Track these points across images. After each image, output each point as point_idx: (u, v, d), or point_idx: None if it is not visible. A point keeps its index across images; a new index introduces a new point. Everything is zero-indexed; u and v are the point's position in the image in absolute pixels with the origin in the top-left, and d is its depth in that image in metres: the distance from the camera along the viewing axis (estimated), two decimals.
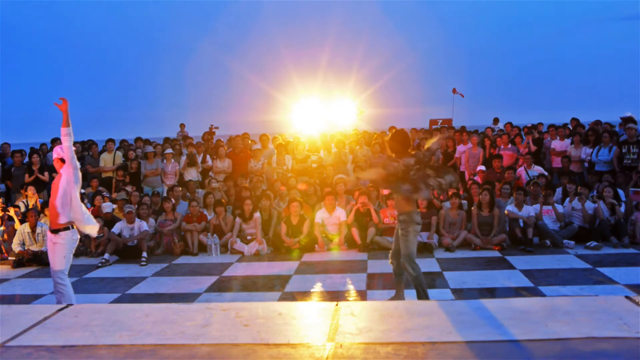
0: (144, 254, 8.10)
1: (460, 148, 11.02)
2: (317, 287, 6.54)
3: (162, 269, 7.67)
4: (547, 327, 3.05)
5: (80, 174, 5.26)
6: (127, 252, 8.26)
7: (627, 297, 3.53)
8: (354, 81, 21.36)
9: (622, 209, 8.28)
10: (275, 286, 6.65)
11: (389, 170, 5.08)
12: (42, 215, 8.85)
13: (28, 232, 8.17)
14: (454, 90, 17.24)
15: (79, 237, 5.31)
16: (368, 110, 18.01)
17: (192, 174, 10.51)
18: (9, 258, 8.14)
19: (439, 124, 16.05)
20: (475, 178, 9.93)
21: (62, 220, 5.11)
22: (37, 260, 7.96)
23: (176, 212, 8.96)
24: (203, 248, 8.52)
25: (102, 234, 8.46)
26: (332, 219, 8.56)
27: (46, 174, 10.38)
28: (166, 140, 12.59)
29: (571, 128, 11.60)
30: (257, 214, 8.64)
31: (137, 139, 12.56)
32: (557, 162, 10.45)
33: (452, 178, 5.12)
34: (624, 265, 6.88)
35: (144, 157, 10.80)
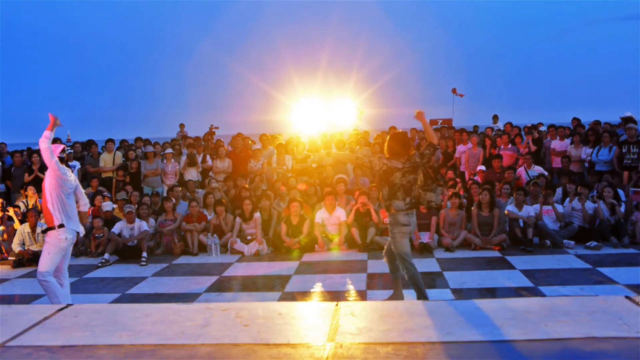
0: (144, 254, 8.10)
1: (460, 148, 11.02)
2: (317, 287, 6.53)
3: (162, 269, 7.67)
4: (547, 327, 3.05)
5: (67, 175, 5.34)
6: (127, 252, 8.26)
7: (627, 297, 3.53)
8: (354, 81, 21.36)
9: (622, 209, 8.28)
10: (275, 286, 6.65)
11: (371, 164, 5.10)
12: (42, 215, 8.85)
13: (28, 232, 8.17)
14: (454, 90, 17.22)
15: (68, 237, 5.30)
16: (368, 110, 17.99)
17: (192, 174, 10.51)
18: (9, 258, 8.14)
19: (439, 124, 16.03)
20: (475, 178, 9.93)
21: (54, 220, 5.23)
22: (37, 261, 7.92)
23: (176, 212, 8.96)
24: (203, 248, 8.52)
25: (102, 234, 8.47)
26: (332, 219, 8.56)
27: (46, 173, 10.37)
28: (169, 142, 12.59)
29: (572, 128, 11.60)
30: (257, 214, 8.64)
31: (137, 139, 12.56)
32: (557, 162, 10.45)
33: (431, 196, 5.07)
34: (624, 265, 6.88)
35: (144, 157, 10.80)
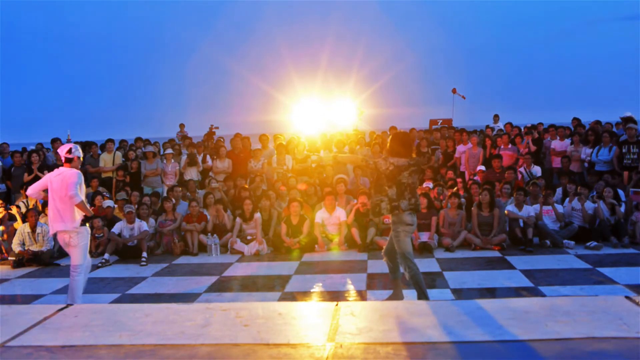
0: (144, 254, 8.10)
1: (460, 148, 11.02)
2: (317, 287, 6.53)
3: (162, 269, 7.67)
4: (547, 327, 3.05)
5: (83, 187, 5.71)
6: (127, 252, 8.25)
7: (627, 297, 3.53)
8: (354, 81, 21.36)
9: (622, 209, 8.28)
10: (275, 286, 6.65)
11: (376, 165, 5.09)
12: (42, 215, 8.85)
13: (28, 232, 8.17)
14: (454, 91, 17.23)
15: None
16: (368, 110, 18.02)
17: (192, 174, 10.50)
18: (9, 258, 8.14)
19: (439, 124, 16.05)
20: (475, 178, 9.93)
21: (78, 216, 5.64)
22: (37, 260, 7.96)
23: (176, 212, 8.96)
24: (203, 248, 8.52)
25: (102, 234, 8.47)
26: (332, 219, 8.56)
27: (46, 172, 10.37)
28: (168, 142, 12.60)
29: (572, 128, 11.60)
30: (257, 214, 8.64)
31: (137, 139, 12.56)
32: (557, 162, 10.45)
33: (405, 204, 5.06)
34: (624, 265, 6.88)
35: (144, 157, 10.81)
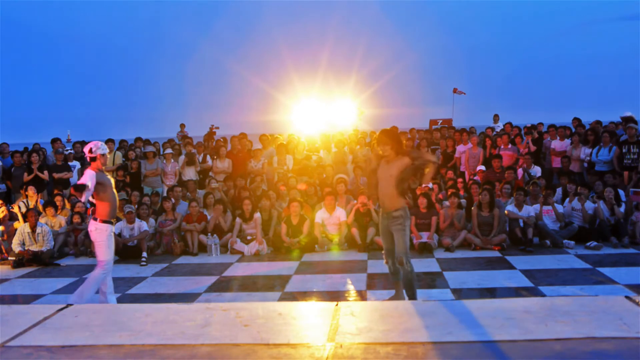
0: (144, 254, 8.09)
1: (460, 148, 11.02)
2: (317, 287, 6.53)
3: (162, 269, 7.67)
4: (547, 327, 3.05)
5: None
6: (127, 252, 8.25)
7: (627, 297, 3.53)
8: (354, 81, 21.37)
9: (622, 209, 8.28)
10: (275, 286, 6.65)
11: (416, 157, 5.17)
12: (42, 215, 8.86)
13: (28, 232, 8.17)
14: (455, 90, 17.24)
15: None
16: (368, 110, 18.03)
17: (189, 174, 10.49)
18: (9, 258, 8.14)
19: (439, 124, 16.05)
20: (475, 178, 9.93)
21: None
22: (37, 260, 7.96)
23: (176, 212, 8.96)
24: (203, 248, 8.52)
25: None
26: (332, 219, 8.56)
27: (46, 172, 10.38)
28: (168, 142, 12.60)
29: (573, 128, 11.60)
30: (257, 214, 8.63)
31: (137, 139, 12.55)
32: (557, 162, 10.45)
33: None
34: (624, 265, 6.88)
35: (143, 157, 10.80)
